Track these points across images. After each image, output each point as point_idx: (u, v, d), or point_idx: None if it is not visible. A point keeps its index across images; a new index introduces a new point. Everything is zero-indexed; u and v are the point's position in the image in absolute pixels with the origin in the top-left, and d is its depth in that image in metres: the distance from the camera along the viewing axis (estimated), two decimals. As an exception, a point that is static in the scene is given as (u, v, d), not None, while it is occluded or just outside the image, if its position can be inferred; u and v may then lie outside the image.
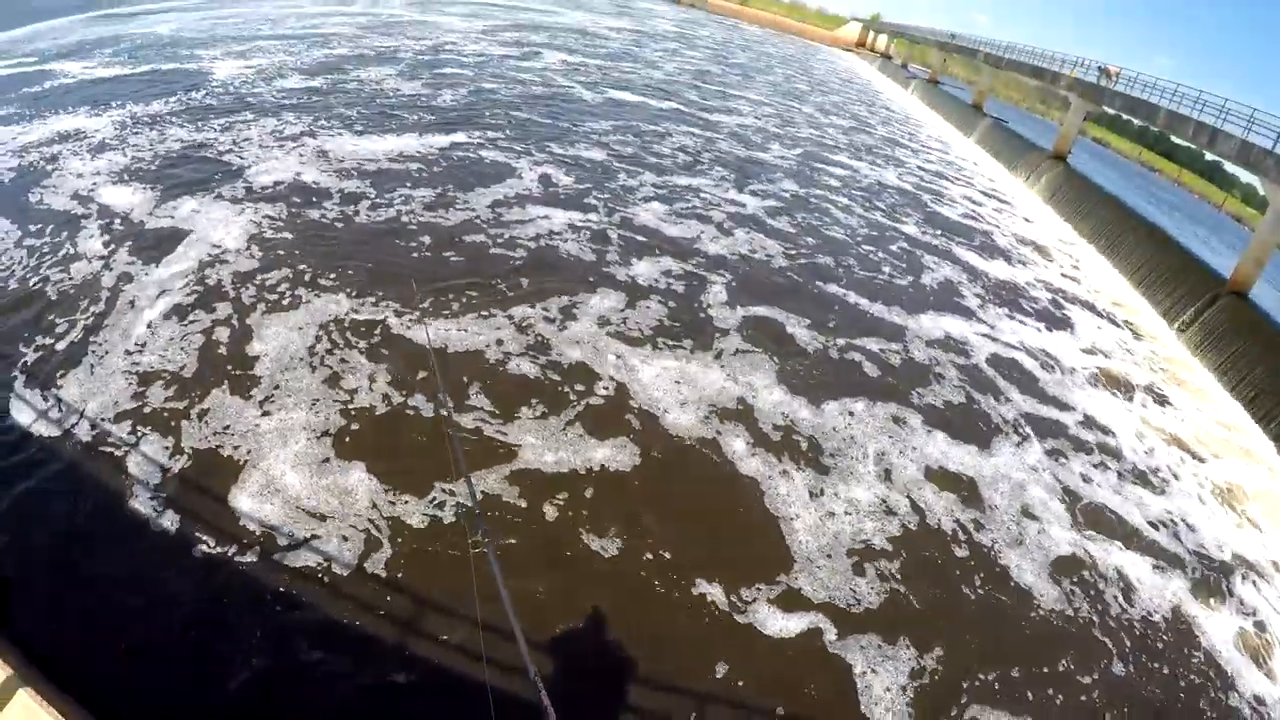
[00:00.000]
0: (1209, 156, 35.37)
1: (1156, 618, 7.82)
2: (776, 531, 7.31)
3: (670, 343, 9.69)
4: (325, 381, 7.87)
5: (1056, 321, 14.76)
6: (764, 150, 20.00)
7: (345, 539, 6.51)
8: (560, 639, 6.02)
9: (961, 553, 7.73)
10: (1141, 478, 10.21)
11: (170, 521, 6.40)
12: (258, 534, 6.41)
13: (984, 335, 12.82)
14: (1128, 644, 7.40)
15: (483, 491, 7.07)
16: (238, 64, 20.04)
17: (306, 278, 9.38)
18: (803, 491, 7.87)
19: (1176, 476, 10.58)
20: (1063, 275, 17.72)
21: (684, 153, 18.42)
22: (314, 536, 6.46)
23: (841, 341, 10.86)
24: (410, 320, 8.98)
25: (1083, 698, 6.68)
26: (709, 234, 13.43)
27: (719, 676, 5.95)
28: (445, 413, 7.28)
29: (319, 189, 11.92)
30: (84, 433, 6.89)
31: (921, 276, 14.48)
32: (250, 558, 6.24)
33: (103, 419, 6.99)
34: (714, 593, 6.54)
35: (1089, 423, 11.03)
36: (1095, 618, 7.57)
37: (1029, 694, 6.49)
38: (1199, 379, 15.08)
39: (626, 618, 6.27)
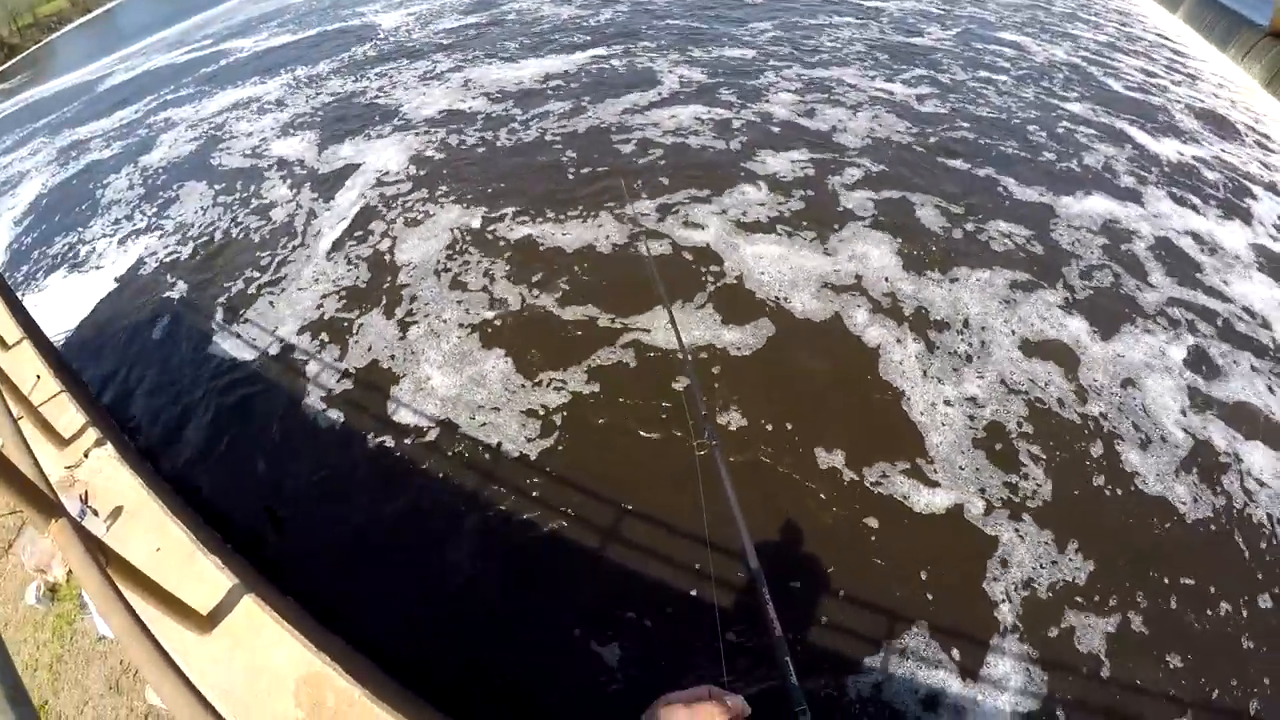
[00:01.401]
0: None
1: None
2: (912, 412, 7.99)
3: (790, 229, 10.40)
4: (505, 279, 9.36)
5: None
6: (920, 34, 19.44)
7: (566, 434, 7.46)
8: (782, 552, 6.58)
9: (1097, 447, 8.00)
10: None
11: (364, 425, 7.74)
12: (465, 432, 7.52)
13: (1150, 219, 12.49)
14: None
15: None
16: (397, 14, 21.99)
17: (456, 193, 11.02)
18: (921, 363, 8.51)
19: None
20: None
21: (836, 43, 18.39)
22: (532, 435, 7.45)
23: (975, 220, 11.09)
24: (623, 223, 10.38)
25: (1220, 619, 6.83)
26: (851, 124, 13.66)
27: (879, 559, 6.68)
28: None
29: (468, 114, 13.54)
30: (279, 350, 8.69)
31: (1085, 158, 14.00)
32: (456, 456, 7.27)
33: (295, 336, 8.83)
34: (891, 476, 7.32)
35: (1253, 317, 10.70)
36: (1244, 536, 7.60)
37: (1166, 605, 6.81)
38: None
39: (789, 511, 6.93)
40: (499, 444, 7.46)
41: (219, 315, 9.63)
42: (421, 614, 6.25)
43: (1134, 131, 15.82)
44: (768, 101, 14.39)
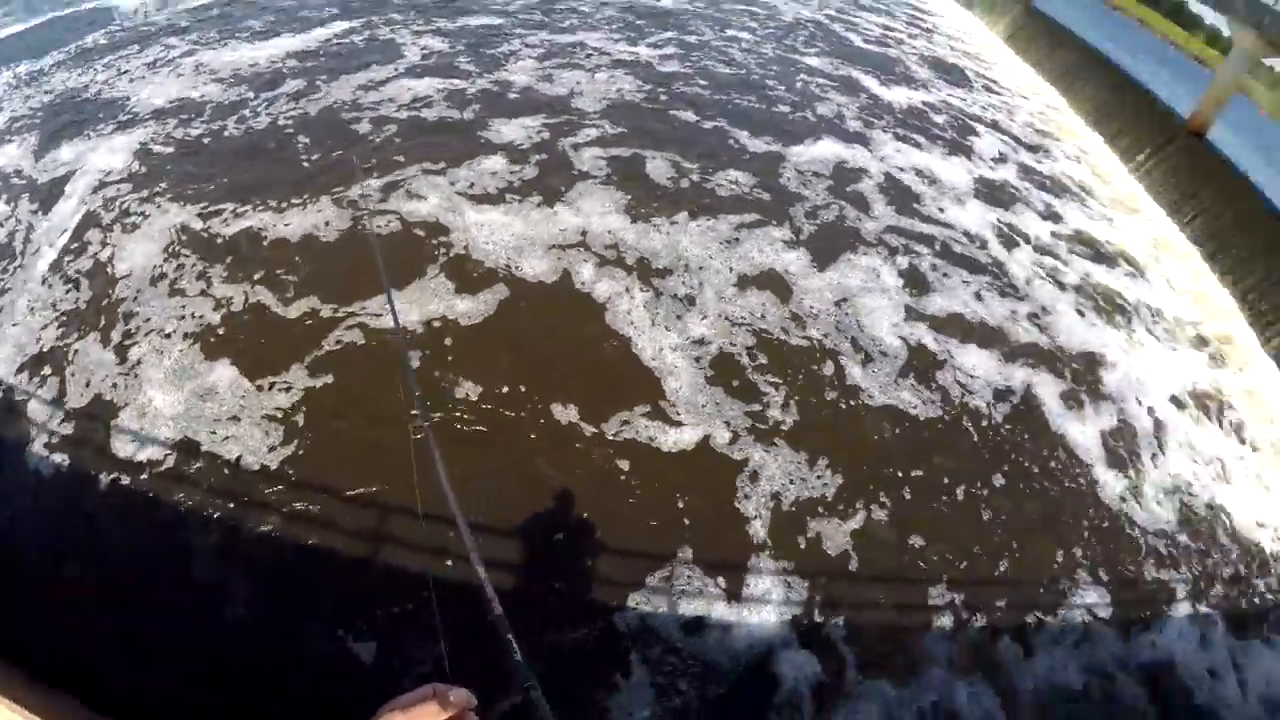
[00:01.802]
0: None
1: (1027, 426, 8.85)
2: (644, 358, 8.28)
3: (519, 195, 10.42)
4: (226, 280, 8.79)
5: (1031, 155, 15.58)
6: (662, -3, 20.07)
7: (277, 436, 7.15)
8: (489, 516, 6.56)
9: (827, 367, 8.65)
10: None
11: (94, 465, 7.01)
12: (187, 440, 7.09)
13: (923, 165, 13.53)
14: (1000, 451, 8.40)
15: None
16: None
17: (178, 190, 10.19)
18: (650, 311, 8.81)
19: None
20: (1020, 118, 18.08)
21: (588, 6, 18.58)
22: (268, 442, 7.10)
23: (704, 172, 11.49)
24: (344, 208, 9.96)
25: (956, 501, 7.70)
26: (589, 87, 13.85)
27: (631, 501, 6.92)
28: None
29: (198, 103, 12.66)
30: None
31: (819, 108, 14.83)
32: (192, 477, 6.84)
33: (13, 377, 7.82)
34: (615, 424, 7.53)
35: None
36: (968, 426, 8.57)
37: (905, 498, 7.55)
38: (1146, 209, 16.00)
39: (535, 474, 7.02)
40: (238, 456, 7.06)
41: None
42: (169, 649, 5.95)
43: (869, 81, 16.91)
44: (510, 69, 14.34)
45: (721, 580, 6.49)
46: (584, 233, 9.81)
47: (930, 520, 7.43)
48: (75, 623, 6.03)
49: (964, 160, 14.42)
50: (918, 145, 14.38)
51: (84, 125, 12.21)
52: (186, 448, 7.11)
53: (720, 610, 6.33)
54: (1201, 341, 11.56)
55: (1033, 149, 16.19)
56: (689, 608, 6.29)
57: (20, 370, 8.00)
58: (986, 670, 6.47)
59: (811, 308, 9.36)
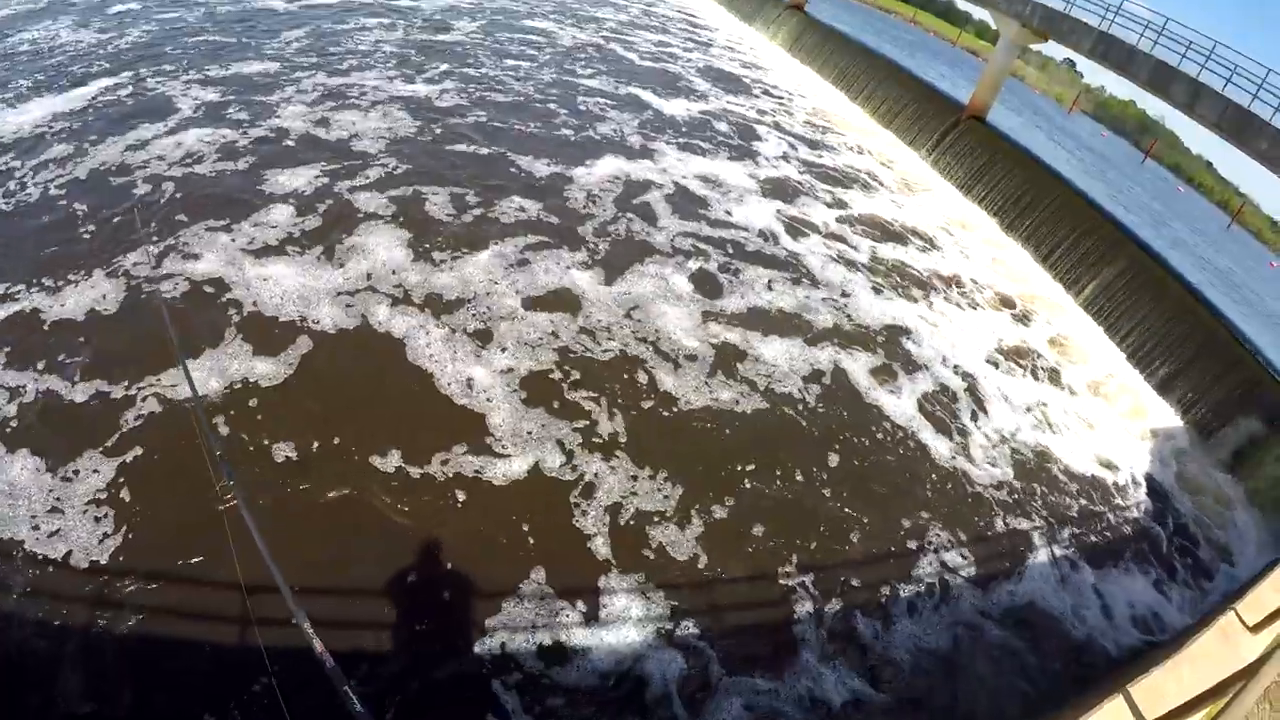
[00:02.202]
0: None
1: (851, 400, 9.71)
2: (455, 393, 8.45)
3: (302, 246, 10.43)
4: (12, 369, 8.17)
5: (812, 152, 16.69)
6: (447, 30, 20.37)
7: (112, 522, 6.75)
8: (321, 574, 6.34)
9: (639, 377, 9.13)
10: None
11: None
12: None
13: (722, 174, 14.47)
14: (824, 433, 9.07)
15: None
16: None
17: None
18: (449, 346, 9.06)
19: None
20: (800, 118, 19.42)
21: (365, 47, 18.65)
22: (43, 532, 6.64)
23: (487, 203, 11.88)
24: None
25: (793, 487, 8.23)
26: (367, 128, 13.99)
27: (469, 537, 6.95)
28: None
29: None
30: None
31: (600, 127, 15.59)
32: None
33: None
34: (435, 464, 7.59)
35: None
36: (785, 414, 9.20)
37: (743, 491, 8.01)
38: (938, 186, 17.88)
39: (364, 525, 6.96)
40: (54, 553, 6.61)
41: None
42: None
43: (650, 97, 17.89)
44: (286, 116, 14.34)
45: (578, 603, 6.63)
46: (370, 276, 9.98)
47: (772, 510, 7.89)
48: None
49: (745, 163, 15.53)
50: (702, 153, 15.44)
51: None
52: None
53: (580, 632, 6.45)
54: (1005, 303, 13.09)
55: (819, 147, 17.73)
56: (547, 635, 6.38)
57: None
58: (852, 648, 6.88)
59: (610, 322, 9.89)
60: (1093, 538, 9.15)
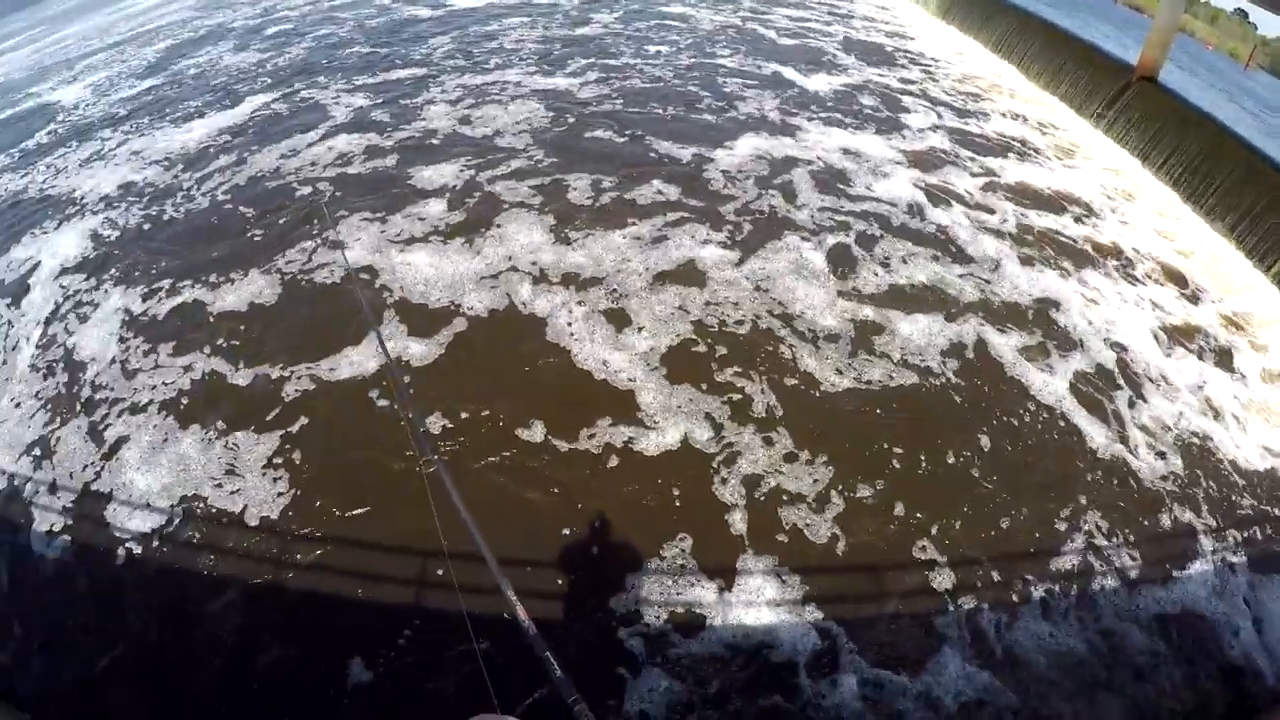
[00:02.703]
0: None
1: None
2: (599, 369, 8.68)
3: (448, 234, 10.93)
4: (195, 352, 9.17)
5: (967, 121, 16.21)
6: (586, 24, 20.82)
7: (281, 486, 7.38)
8: (522, 542, 6.74)
9: (782, 354, 9.01)
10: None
11: (90, 555, 7.23)
12: (193, 499, 7.37)
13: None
14: (971, 416, 8.60)
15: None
16: (74, 89, 21.31)
17: (138, 273, 10.77)
18: (589, 325, 9.25)
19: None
20: (953, 86, 18.65)
21: (512, 45, 19.33)
22: (236, 493, 7.37)
23: (626, 186, 12.02)
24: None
25: (937, 473, 7.87)
26: (509, 122, 14.46)
27: (630, 507, 7.20)
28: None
29: (141, 188, 13.46)
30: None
31: (741, 107, 15.44)
32: (197, 538, 7.07)
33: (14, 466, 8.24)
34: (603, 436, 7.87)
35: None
36: (934, 394, 8.80)
37: (884, 472, 7.75)
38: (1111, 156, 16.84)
39: (541, 490, 7.32)
40: (244, 510, 7.32)
41: None
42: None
43: (792, 74, 17.63)
44: (434, 116, 15.02)
45: (718, 578, 6.72)
46: (521, 259, 10.37)
47: (915, 493, 7.61)
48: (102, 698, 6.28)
49: (887, 136, 15.00)
50: (846, 128, 15.02)
51: (35, 222, 12.87)
52: (192, 510, 7.46)
53: (720, 614, 6.51)
54: (1174, 277, 12.01)
55: (973, 115, 16.76)
56: (689, 615, 6.48)
57: (18, 463, 8.40)
58: (983, 645, 6.57)
59: (749, 300, 9.81)
60: (1259, 542, 8.15)
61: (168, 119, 16.87)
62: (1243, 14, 62.70)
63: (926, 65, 19.75)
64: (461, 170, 12.68)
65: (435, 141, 13.90)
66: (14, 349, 9.89)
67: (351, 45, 20.49)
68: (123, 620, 6.69)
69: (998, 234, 11.98)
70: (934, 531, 7.30)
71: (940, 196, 12.78)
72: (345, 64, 18.91)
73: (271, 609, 6.64)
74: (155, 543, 7.22)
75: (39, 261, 11.58)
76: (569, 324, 9.30)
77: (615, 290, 9.84)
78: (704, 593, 6.63)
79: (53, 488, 7.90)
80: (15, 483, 8.03)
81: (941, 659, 6.39)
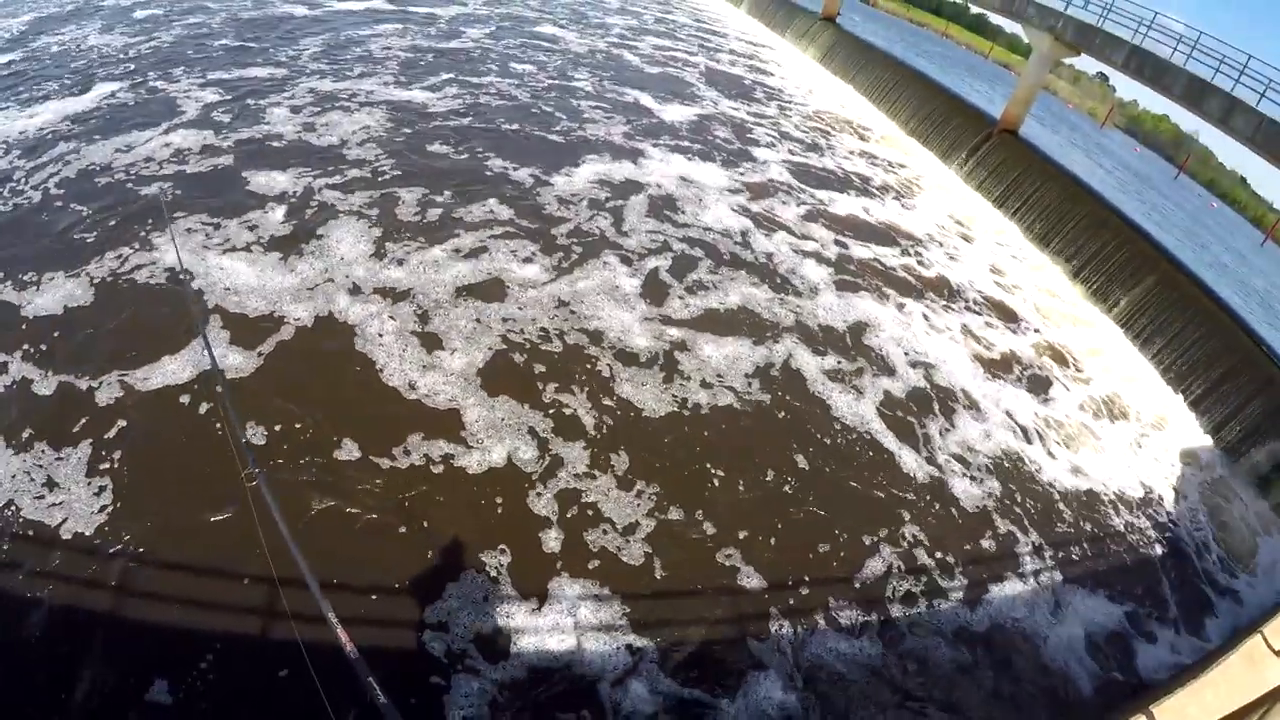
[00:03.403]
0: (974, 10, 39.33)
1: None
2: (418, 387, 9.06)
3: (272, 244, 11.20)
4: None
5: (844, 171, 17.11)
6: (458, 37, 21.44)
7: (105, 500, 7.37)
8: (345, 558, 6.96)
9: (595, 377, 9.55)
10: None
11: None
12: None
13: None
14: (784, 435, 9.23)
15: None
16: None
17: None
18: (402, 340, 9.67)
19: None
20: (812, 124, 19.88)
21: (380, 53, 19.74)
22: (57, 507, 7.29)
23: (458, 203, 12.59)
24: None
25: (753, 492, 8.42)
26: (357, 132, 14.88)
27: (460, 522, 7.52)
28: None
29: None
30: None
31: (591, 131, 16.21)
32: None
33: None
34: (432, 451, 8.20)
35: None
36: (747, 414, 9.42)
37: (702, 496, 8.24)
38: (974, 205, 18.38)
39: (385, 516, 7.55)
40: (65, 527, 7.27)
41: None
42: None
43: (648, 101, 18.51)
44: (280, 119, 15.31)
45: (533, 597, 7.07)
46: (345, 274, 10.77)
47: (731, 519, 8.05)
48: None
49: (723, 168, 16.01)
50: (690, 156, 15.97)
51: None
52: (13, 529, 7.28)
53: (537, 625, 6.87)
54: (1000, 310, 13.24)
55: (821, 150, 17.96)
56: (512, 627, 6.82)
57: None
58: (808, 669, 6.94)
59: (564, 320, 10.39)
60: (1076, 557, 9.19)
61: (15, 100, 16.61)
62: (1103, 77, 67.35)
63: (785, 102, 21.01)
64: (302, 177, 13.07)
65: (278, 145, 14.23)
66: None
67: (219, 38, 20.54)
68: None
69: (822, 261, 13.07)
70: (749, 553, 7.76)
71: (770, 225, 13.82)
72: (208, 57, 18.99)
73: (92, 629, 6.52)
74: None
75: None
76: (380, 335, 9.75)
77: (433, 303, 10.33)
78: (520, 610, 6.98)
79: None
80: None
81: (753, 679, 6.79)
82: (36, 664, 6.27)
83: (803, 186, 15.53)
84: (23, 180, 12.86)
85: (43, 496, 7.50)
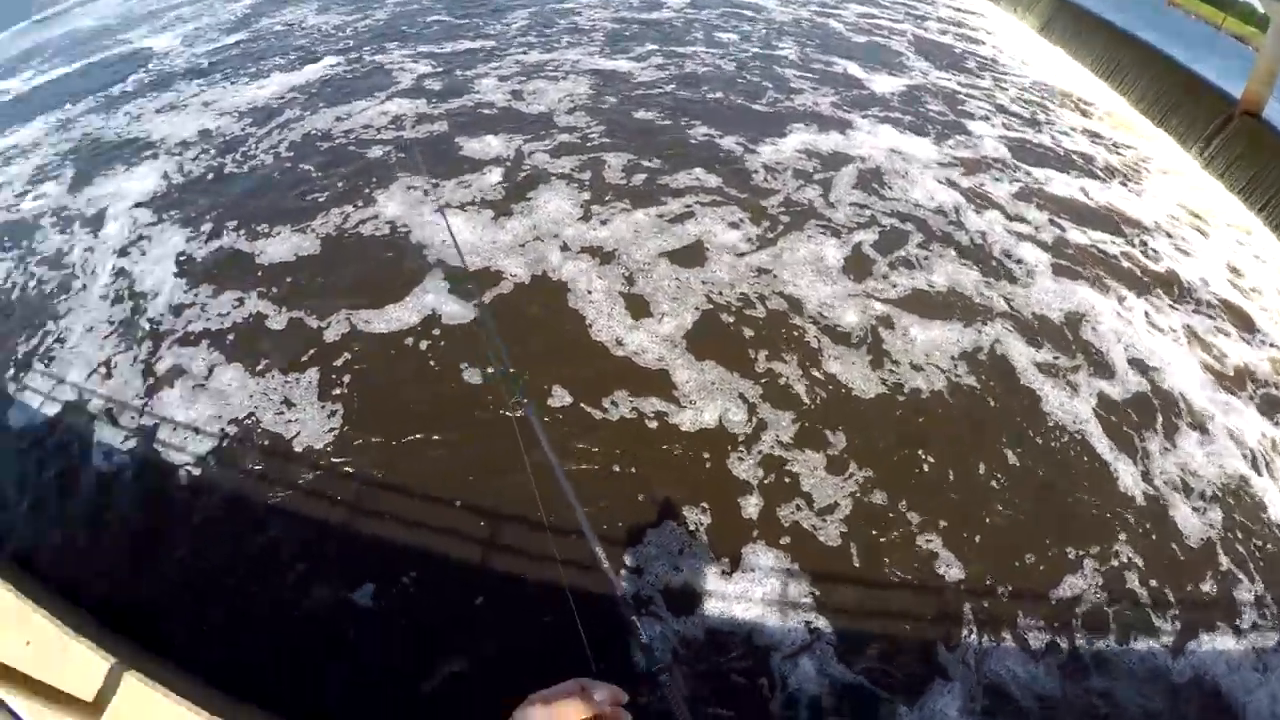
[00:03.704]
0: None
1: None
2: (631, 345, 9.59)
3: (485, 205, 11.86)
4: (247, 290, 10.34)
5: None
6: (659, 8, 21.69)
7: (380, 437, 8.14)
8: (612, 495, 7.45)
9: (801, 351, 9.45)
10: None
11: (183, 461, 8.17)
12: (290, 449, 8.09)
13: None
14: (992, 433, 8.74)
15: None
16: (165, 37, 22.98)
17: (208, 216, 12.15)
18: (611, 299, 10.01)
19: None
20: (1030, 96, 18.65)
21: (586, 25, 20.29)
22: (352, 441, 8.11)
23: (663, 169, 12.78)
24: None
25: (955, 491, 8.03)
26: (565, 100, 15.39)
27: (709, 495, 7.65)
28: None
29: (214, 137, 14.85)
30: (91, 409, 9.07)
31: (797, 100, 15.94)
32: (285, 477, 7.77)
33: (82, 383, 9.39)
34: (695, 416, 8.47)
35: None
36: (955, 405, 9.01)
37: (904, 488, 7.96)
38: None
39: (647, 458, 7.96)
40: (325, 448, 8.11)
41: (31, 382, 9.91)
42: (297, 650, 6.59)
43: (855, 71, 17.95)
44: (488, 88, 16.11)
45: (730, 559, 7.19)
46: (554, 233, 11.25)
47: (933, 510, 7.75)
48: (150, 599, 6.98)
49: (936, 141, 15.28)
50: (900, 127, 15.38)
51: (114, 162, 14.34)
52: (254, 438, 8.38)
53: (731, 591, 6.95)
54: (1236, 315, 11.68)
55: (1039, 125, 16.87)
56: (710, 589, 6.96)
57: (86, 381, 9.55)
58: (994, 686, 6.60)
59: (771, 288, 10.34)
60: None
61: (245, 74, 18.33)
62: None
63: (999, 73, 19.86)
64: (509, 142, 13.77)
65: (489, 112, 14.99)
66: (91, 274, 11.25)
67: (429, 14, 21.82)
68: (173, 533, 7.55)
69: (1037, 244, 12.20)
70: (947, 549, 7.45)
71: (982, 203, 13.04)
72: (419, 32, 20.26)
73: (332, 541, 7.24)
74: (212, 464, 8.19)
75: (115, 198, 13.01)
76: (589, 292, 10.15)
77: (639, 264, 10.63)
78: (711, 569, 7.11)
79: (114, 406, 9.06)
80: (82, 398, 9.22)
81: (934, 690, 6.51)
82: (267, 563, 7.09)
83: (1018, 163, 14.55)
84: (254, 145, 14.35)
85: (281, 413, 8.54)
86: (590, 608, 4.23)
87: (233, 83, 17.73)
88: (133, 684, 4.43)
